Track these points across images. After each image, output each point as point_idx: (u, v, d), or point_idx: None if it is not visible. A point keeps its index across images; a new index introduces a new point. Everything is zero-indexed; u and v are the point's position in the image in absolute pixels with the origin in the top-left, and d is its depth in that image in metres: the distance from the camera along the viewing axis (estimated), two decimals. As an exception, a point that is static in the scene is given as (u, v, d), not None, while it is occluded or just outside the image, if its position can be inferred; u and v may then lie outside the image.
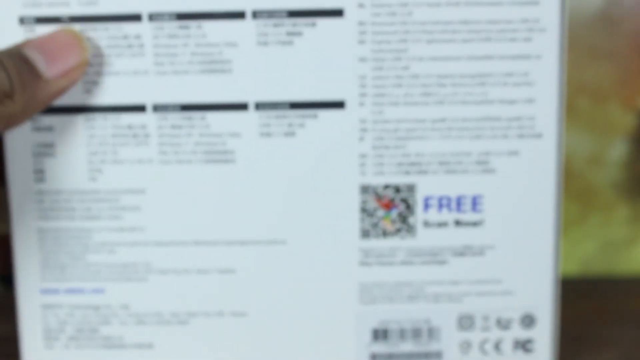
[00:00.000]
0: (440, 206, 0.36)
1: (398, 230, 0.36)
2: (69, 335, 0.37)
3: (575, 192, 0.56)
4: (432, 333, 0.37)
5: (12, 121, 0.31)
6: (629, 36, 0.54)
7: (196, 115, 0.35)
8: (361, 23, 0.34)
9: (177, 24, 0.34)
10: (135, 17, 0.34)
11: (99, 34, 0.34)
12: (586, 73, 0.55)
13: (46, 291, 0.37)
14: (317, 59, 0.34)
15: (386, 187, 0.35)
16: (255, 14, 0.34)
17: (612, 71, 0.55)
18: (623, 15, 0.54)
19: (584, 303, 0.52)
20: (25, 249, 0.36)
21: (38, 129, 0.35)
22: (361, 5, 0.34)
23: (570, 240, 0.57)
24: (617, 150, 0.56)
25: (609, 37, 0.54)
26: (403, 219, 0.36)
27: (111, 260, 0.36)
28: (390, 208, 0.36)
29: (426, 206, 0.36)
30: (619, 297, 0.53)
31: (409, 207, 0.36)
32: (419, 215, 0.36)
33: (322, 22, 0.34)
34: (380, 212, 0.36)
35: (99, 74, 0.35)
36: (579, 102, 0.55)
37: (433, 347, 0.37)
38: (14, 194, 0.36)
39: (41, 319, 0.37)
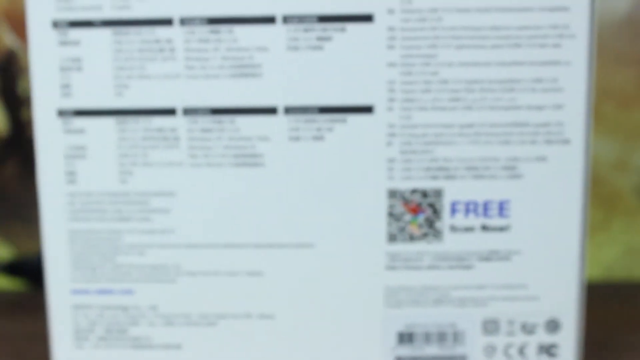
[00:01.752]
0: (467, 211, 0.36)
1: (425, 235, 0.36)
2: (98, 335, 0.37)
3: (600, 197, 0.56)
4: (457, 337, 0.37)
5: None
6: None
7: (226, 118, 0.35)
8: (391, 28, 0.34)
9: (208, 28, 0.34)
10: (167, 22, 0.34)
11: (131, 37, 0.35)
12: (612, 78, 0.55)
13: (76, 292, 0.37)
14: (346, 64, 0.34)
15: (413, 191, 0.35)
16: (286, 19, 0.34)
17: (638, 77, 0.55)
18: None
19: (607, 308, 0.51)
20: (56, 250, 0.37)
21: (70, 131, 0.35)
22: (391, 11, 0.34)
23: (594, 245, 0.57)
24: (642, 156, 0.56)
25: (635, 43, 0.54)
26: (430, 223, 0.36)
27: (141, 261, 0.36)
28: (417, 212, 0.36)
29: (453, 211, 0.36)
30: (641, 303, 0.53)
31: (436, 212, 0.36)
32: (446, 220, 0.36)
33: (352, 27, 0.34)
34: (408, 217, 0.36)
35: (131, 77, 0.35)
36: (604, 107, 0.55)
37: (458, 350, 0.37)
38: (45, 195, 0.36)
39: (71, 319, 0.37)
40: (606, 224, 0.57)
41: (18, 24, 0.56)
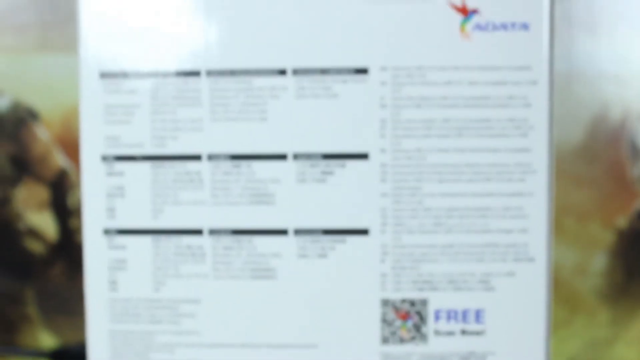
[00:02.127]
0: (449, 318, 0.36)
1: (413, 338, 0.37)
2: (132, 422, 0.38)
3: (563, 298, 0.57)
4: None
5: None
6: (606, 166, 0.56)
7: (244, 238, 0.36)
8: (383, 165, 0.36)
9: (230, 163, 0.36)
10: (196, 157, 0.36)
11: (166, 170, 0.36)
12: (571, 196, 0.56)
13: (114, 382, 0.38)
14: (346, 194, 0.36)
15: (403, 301, 0.36)
16: (296, 157, 0.36)
17: (594, 195, 0.56)
18: (601, 148, 0.56)
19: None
20: (98, 347, 0.37)
21: (113, 247, 0.37)
22: (383, 150, 0.35)
23: (558, 339, 0.57)
24: (599, 263, 0.57)
25: (590, 167, 0.56)
26: (417, 328, 0.37)
27: (170, 358, 0.37)
28: (406, 319, 0.36)
29: (437, 318, 0.36)
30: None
31: (422, 319, 0.36)
32: (431, 326, 0.37)
33: (351, 164, 0.36)
34: (398, 322, 0.37)
35: (165, 202, 0.36)
36: (565, 221, 0.56)
37: None
38: (90, 300, 0.37)
39: (109, 407, 0.38)
40: (569, 321, 0.58)
41: (69, 146, 0.58)
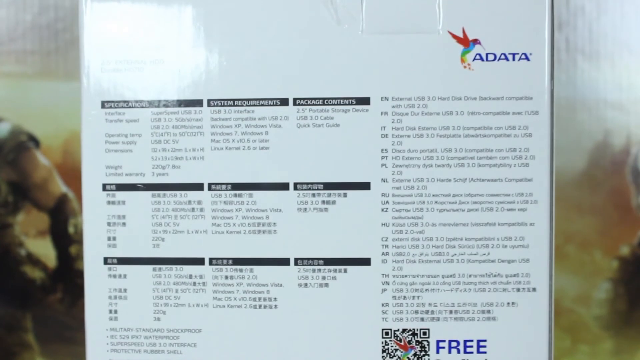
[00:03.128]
0: (450, 348, 0.37)
1: (414, 368, 0.37)
2: None
3: (566, 326, 0.57)
4: None
5: None
6: (609, 193, 0.56)
7: (246, 267, 0.37)
8: (384, 194, 0.36)
9: (232, 192, 0.36)
10: (198, 187, 0.36)
11: (167, 199, 0.37)
12: (573, 224, 0.56)
13: (113, 413, 0.38)
14: (347, 223, 0.36)
15: (404, 331, 0.37)
16: (297, 186, 0.36)
17: (596, 223, 0.56)
18: (604, 175, 0.56)
19: None
20: (97, 376, 0.38)
21: (114, 276, 0.37)
22: (384, 180, 0.36)
23: (562, 368, 0.58)
24: (602, 291, 0.57)
25: (592, 194, 0.56)
26: (419, 358, 0.37)
27: (171, 388, 0.37)
28: (407, 349, 0.37)
29: (438, 348, 0.37)
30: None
31: (424, 349, 0.37)
32: (432, 356, 0.37)
33: (352, 193, 0.36)
34: (399, 352, 0.37)
35: (166, 231, 0.37)
36: (567, 248, 0.56)
37: None
38: (90, 329, 0.37)
39: None
40: (572, 350, 0.58)
41: (68, 173, 0.59)
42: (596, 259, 0.57)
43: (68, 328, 0.59)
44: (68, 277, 0.59)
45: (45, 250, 0.59)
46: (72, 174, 0.59)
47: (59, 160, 0.59)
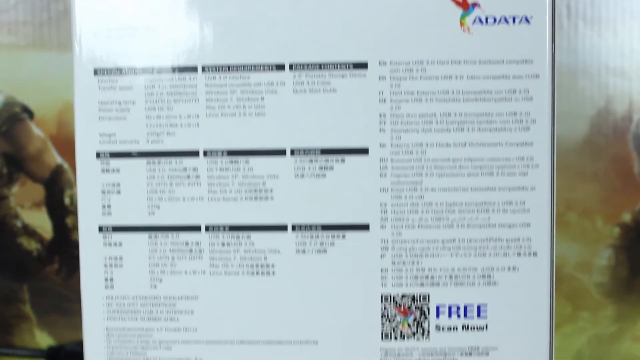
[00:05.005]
0: (450, 313, 0.37)
1: (414, 333, 0.37)
2: (129, 419, 0.38)
3: (567, 293, 0.57)
4: (444, 422, 0.37)
5: None
6: (611, 160, 0.56)
7: (243, 234, 0.36)
8: (383, 160, 0.36)
9: (228, 159, 0.36)
10: (194, 153, 0.36)
11: (162, 166, 0.36)
12: (575, 192, 0.56)
13: (111, 381, 0.38)
14: (345, 189, 0.36)
15: (404, 296, 0.36)
16: (294, 152, 0.36)
17: (598, 191, 0.56)
18: (606, 142, 0.56)
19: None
20: (94, 345, 0.37)
21: (109, 244, 0.37)
22: (383, 145, 0.36)
23: (563, 335, 0.57)
24: (603, 258, 0.57)
25: (594, 162, 0.56)
26: (418, 323, 0.37)
27: (168, 356, 0.37)
28: (407, 314, 0.37)
29: (438, 313, 0.37)
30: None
31: (423, 314, 0.37)
32: (432, 321, 0.37)
33: (350, 159, 0.36)
34: (399, 318, 0.37)
35: (161, 199, 0.36)
36: (569, 216, 0.56)
37: None
38: (86, 298, 0.37)
39: (106, 405, 0.38)
40: (573, 317, 0.58)
41: (63, 144, 0.58)
42: (598, 226, 0.57)
43: (65, 299, 0.59)
44: (64, 249, 0.59)
45: (41, 221, 0.59)
46: (67, 145, 0.58)
47: (54, 132, 0.58)
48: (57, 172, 0.58)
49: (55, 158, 0.58)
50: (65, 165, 0.58)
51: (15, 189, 0.59)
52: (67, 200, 0.59)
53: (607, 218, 0.57)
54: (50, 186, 0.59)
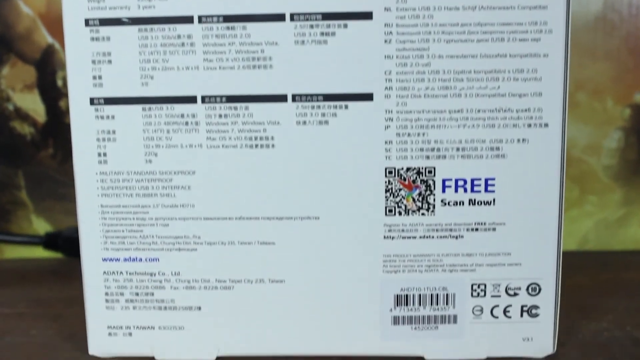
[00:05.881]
0: (457, 187, 0.35)
1: (419, 208, 0.36)
2: (127, 298, 0.37)
3: (575, 176, 0.56)
4: (448, 299, 0.37)
5: None
6: (624, 38, 0.54)
7: (241, 105, 0.35)
8: (387, 25, 0.34)
9: (224, 25, 0.34)
10: (188, 19, 0.34)
11: (155, 33, 0.35)
12: (585, 71, 0.54)
13: (107, 260, 0.37)
14: (348, 56, 0.34)
15: (408, 170, 0.35)
16: (293, 17, 0.34)
17: (609, 69, 0.54)
18: (619, 20, 0.54)
19: (583, 274, 0.52)
20: (88, 223, 0.37)
21: (101, 117, 0.35)
22: (387, 9, 0.34)
23: (569, 219, 0.57)
24: (612, 140, 0.56)
25: (606, 40, 0.54)
26: (423, 198, 0.36)
27: (165, 233, 0.36)
28: (412, 188, 0.36)
29: (444, 187, 0.36)
30: (613, 270, 0.53)
31: (429, 188, 0.36)
32: (438, 195, 0.36)
33: (353, 24, 0.34)
34: (403, 192, 0.36)
35: (155, 69, 0.35)
36: (578, 96, 0.55)
37: (449, 311, 0.37)
38: (79, 174, 0.36)
39: (103, 284, 0.37)
40: (580, 201, 0.57)
41: (53, 24, 0.56)
42: (608, 106, 0.55)
43: (61, 184, 0.58)
44: (59, 132, 0.58)
45: (33, 104, 0.57)
46: (58, 24, 0.56)
47: (43, 10, 0.56)
48: (48, 52, 0.57)
49: (46, 37, 0.56)
50: (57, 45, 0.56)
51: (5, 70, 0.57)
52: (59, 82, 0.57)
53: (618, 98, 0.55)
54: (41, 67, 0.57)
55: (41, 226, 0.59)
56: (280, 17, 0.34)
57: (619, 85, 0.55)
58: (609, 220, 0.58)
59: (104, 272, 0.37)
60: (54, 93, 0.57)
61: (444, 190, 0.36)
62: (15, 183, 0.59)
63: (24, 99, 0.57)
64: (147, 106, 0.35)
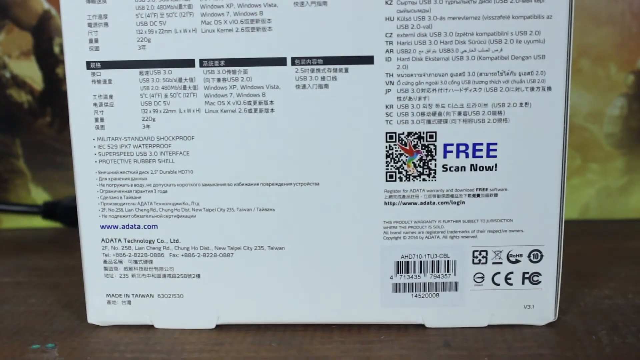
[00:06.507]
0: (458, 152, 0.35)
1: (420, 174, 0.35)
2: (125, 266, 0.37)
3: (577, 144, 0.56)
4: (450, 266, 0.37)
5: None
6: (629, 2, 0.53)
7: (239, 69, 0.34)
8: (388, -15, 0.33)
9: None
10: (185, -19, 0.34)
11: (151, -5, 0.34)
12: (589, 37, 0.54)
13: (105, 227, 0.37)
14: (348, 18, 0.34)
15: (409, 134, 0.35)
16: None
17: (613, 35, 0.54)
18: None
19: (584, 242, 0.51)
20: (86, 190, 0.36)
21: (98, 81, 0.35)
22: (388, -31, 0.33)
23: (571, 187, 0.56)
24: (615, 107, 0.55)
25: (610, 4, 0.53)
26: (424, 163, 0.35)
27: (163, 199, 0.36)
28: (413, 153, 0.35)
29: (445, 152, 0.35)
30: (615, 239, 0.53)
31: (430, 153, 0.35)
32: (439, 160, 0.35)
33: None
34: (404, 157, 0.35)
35: (152, 31, 0.34)
36: (581, 62, 0.54)
37: (450, 278, 0.37)
38: (75, 140, 0.36)
39: (101, 252, 0.37)
40: (582, 169, 0.57)
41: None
42: (611, 73, 0.55)
43: (59, 153, 0.58)
44: (56, 100, 0.57)
45: (30, 72, 0.57)
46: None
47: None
48: (45, 18, 0.56)
49: (42, 3, 0.56)
50: (53, 11, 0.56)
51: (1, 37, 0.56)
52: (56, 49, 0.56)
53: (622, 65, 0.54)
54: (38, 34, 0.56)
55: (40, 195, 0.59)
56: None
57: (622, 51, 0.54)
58: (611, 189, 0.57)
59: (102, 240, 0.37)
60: (51, 60, 0.56)
61: (445, 156, 0.35)
62: (13, 151, 0.58)
63: (20, 66, 0.57)
64: (144, 70, 0.35)
